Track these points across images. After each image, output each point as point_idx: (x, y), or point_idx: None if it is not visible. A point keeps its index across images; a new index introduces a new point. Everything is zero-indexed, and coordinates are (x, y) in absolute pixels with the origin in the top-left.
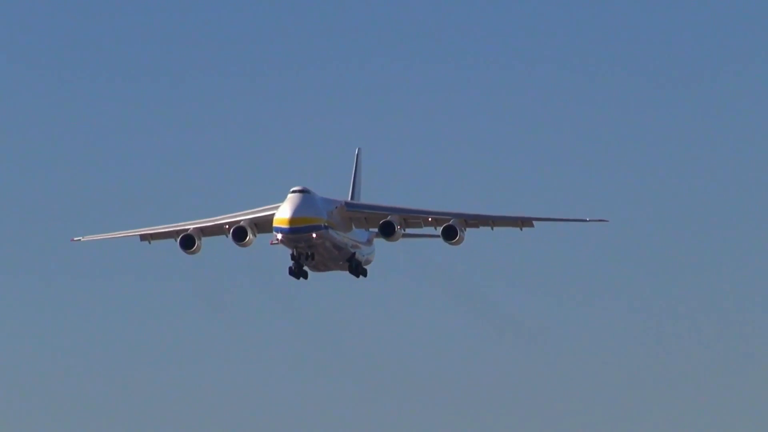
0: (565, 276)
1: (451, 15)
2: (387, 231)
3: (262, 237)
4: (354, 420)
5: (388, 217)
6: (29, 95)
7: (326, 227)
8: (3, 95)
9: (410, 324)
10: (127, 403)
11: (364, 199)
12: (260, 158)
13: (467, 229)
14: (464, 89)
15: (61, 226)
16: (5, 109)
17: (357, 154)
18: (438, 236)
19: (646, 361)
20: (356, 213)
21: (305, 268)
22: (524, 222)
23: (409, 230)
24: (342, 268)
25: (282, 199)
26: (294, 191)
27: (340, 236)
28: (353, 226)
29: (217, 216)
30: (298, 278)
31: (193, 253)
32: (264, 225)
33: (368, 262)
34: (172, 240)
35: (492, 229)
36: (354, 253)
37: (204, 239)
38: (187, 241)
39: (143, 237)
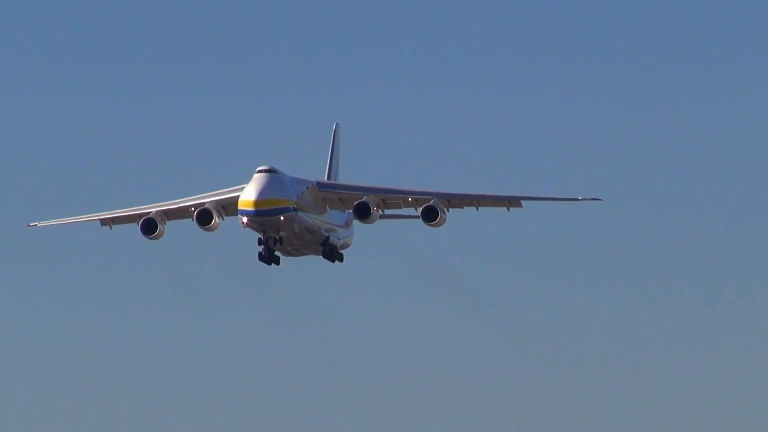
0: (556, 259)
1: None
2: (362, 213)
3: (231, 220)
4: (333, 412)
5: (363, 198)
6: None
7: (295, 209)
8: None
9: (388, 313)
10: (89, 395)
11: (344, 178)
12: (232, 136)
13: (450, 209)
14: (449, 64)
15: (17, 211)
16: None
17: (335, 130)
18: (418, 217)
19: (641, 345)
20: (329, 194)
21: (277, 253)
22: (512, 202)
23: (388, 212)
24: (316, 253)
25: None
26: (260, 171)
27: (312, 219)
28: (328, 208)
29: (182, 198)
30: (270, 264)
31: (156, 238)
32: (232, 207)
33: (345, 246)
34: (135, 224)
35: (477, 209)
36: (328, 237)
37: (169, 223)
38: (149, 226)
39: (104, 221)
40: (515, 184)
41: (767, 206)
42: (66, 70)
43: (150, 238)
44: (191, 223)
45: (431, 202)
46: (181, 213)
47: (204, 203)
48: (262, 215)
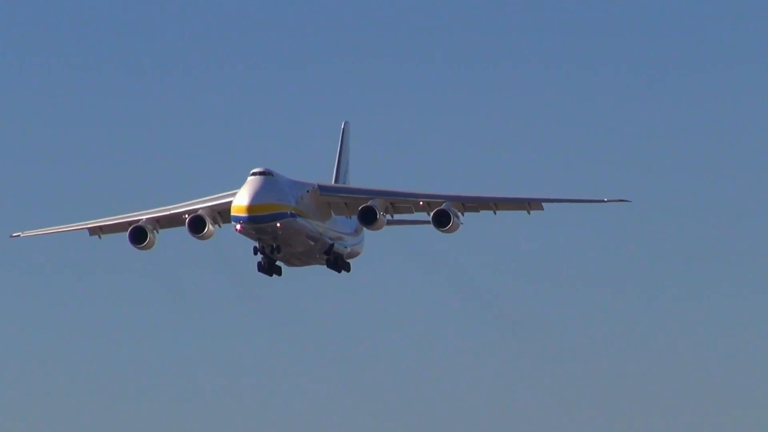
0: (579, 264)
1: None
2: (367, 218)
3: (228, 227)
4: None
5: (369, 202)
6: None
7: (294, 215)
8: None
9: (398, 325)
10: (78, 411)
11: (354, 181)
12: (240, 137)
13: (466, 214)
14: (467, 62)
15: None
16: None
17: (343, 128)
18: (429, 223)
19: (671, 351)
20: (333, 198)
21: (278, 263)
22: (532, 204)
23: (398, 216)
24: (320, 262)
25: None
26: (254, 173)
27: (314, 225)
28: (333, 214)
29: (175, 204)
30: (270, 275)
31: (146, 248)
32: (228, 213)
33: (354, 255)
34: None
35: (495, 213)
36: (333, 245)
37: (163, 231)
38: (138, 235)
39: (92, 231)
40: (533, 187)
41: None
42: (54, 71)
43: (139, 248)
44: (185, 231)
45: (443, 206)
46: (174, 220)
47: (197, 209)
48: (256, 221)
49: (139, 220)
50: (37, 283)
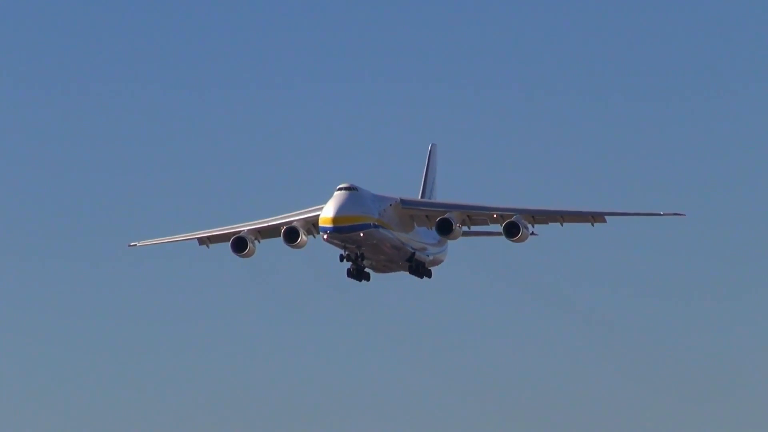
0: (641, 273)
1: (526, 9)
2: (444, 229)
3: (320, 237)
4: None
5: (446, 215)
6: (90, 100)
7: (376, 226)
8: (65, 100)
9: (477, 324)
10: (200, 409)
11: (441, 197)
12: (333, 155)
13: (536, 225)
14: (536, 83)
15: (118, 231)
16: (65, 116)
17: (430, 150)
18: (501, 234)
19: (725, 360)
20: (413, 210)
21: (366, 269)
22: (596, 217)
23: (475, 228)
24: (403, 268)
25: None
26: (340, 189)
27: (395, 235)
28: (415, 225)
29: (273, 216)
30: (360, 280)
31: (246, 256)
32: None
33: (436, 262)
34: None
35: (562, 225)
36: (414, 253)
37: (264, 242)
38: (239, 244)
39: (201, 240)
40: (598, 201)
41: None
42: (162, 91)
43: (240, 256)
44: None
45: (513, 218)
46: (272, 231)
47: (292, 221)
48: (340, 231)
49: (240, 231)
50: (152, 285)
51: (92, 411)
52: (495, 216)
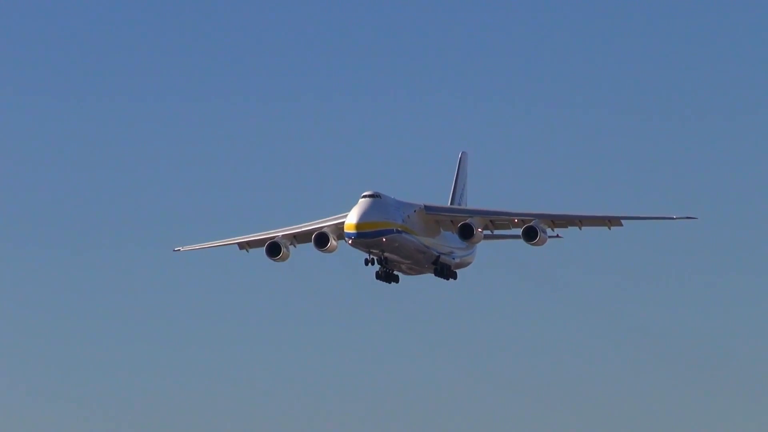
0: (657, 275)
1: (562, 11)
2: (465, 233)
3: None
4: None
5: (468, 220)
6: (133, 108)
7: (399, 231)
8: (112, 106)
9: (501, 326)
10: (235, 405)
11: (472, 203)
12: (369, 163)
13: (556, 229)
14: (555, 89)
15: (163, 236)
16: (114, 126)
17: (460, 158)
18: (519, 237)
19: (740, 360)
20: (438, 216)
21: (395, 272)
22: (612, 221)
23: (498, 232)
24: (429, 271)
25: None
26: (364, 196)
27: (419, 240)
28: (441, 230)
29: (306, 222)
30: (389, 282)
31: (281, 260)
32: None
33: (463, 265)
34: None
35: (580, 228)
36: (439, 256)
37: (298, 246)
38: (273, 249)
39: (241, 245)
40: (615, 205)
41: None
42: (205, 101)
43: (275, 260)
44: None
45: (532, 223)
46: (305, 236)
47: (323, 227)
48: (363, 237)
49: (275, 237)
50: (196, 289)
51: (135, 410)
52: (516, 221)
